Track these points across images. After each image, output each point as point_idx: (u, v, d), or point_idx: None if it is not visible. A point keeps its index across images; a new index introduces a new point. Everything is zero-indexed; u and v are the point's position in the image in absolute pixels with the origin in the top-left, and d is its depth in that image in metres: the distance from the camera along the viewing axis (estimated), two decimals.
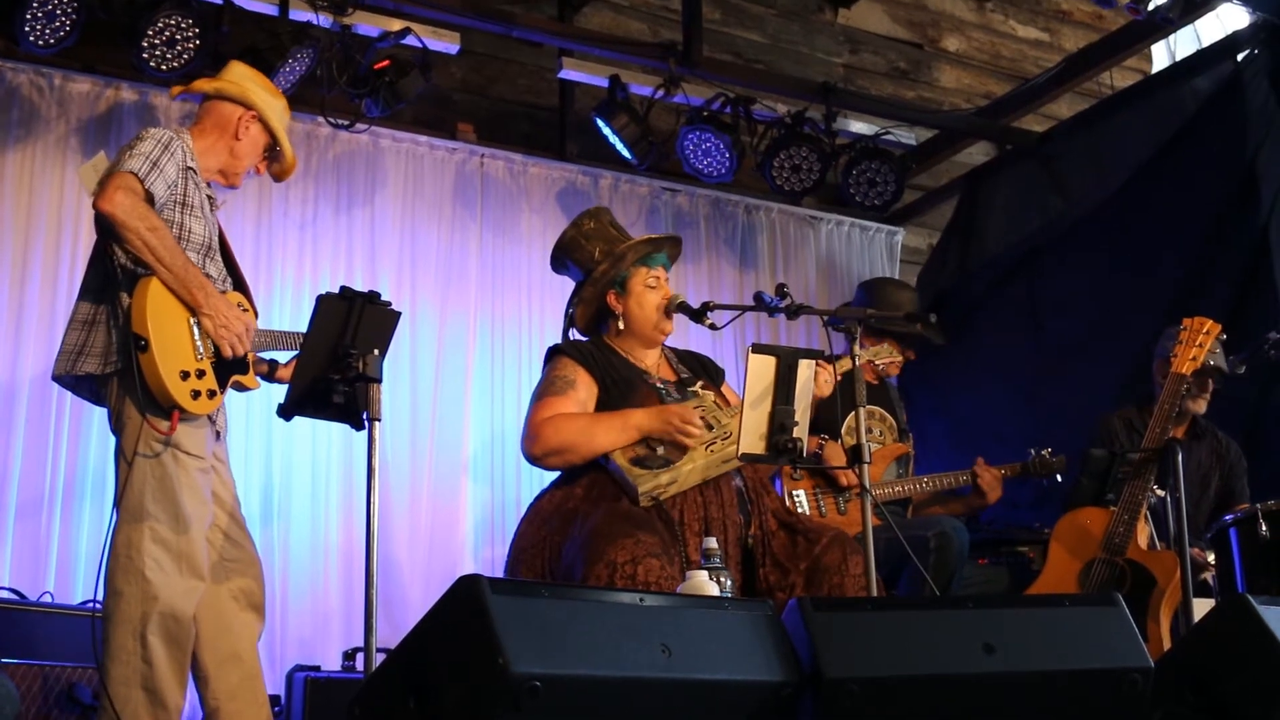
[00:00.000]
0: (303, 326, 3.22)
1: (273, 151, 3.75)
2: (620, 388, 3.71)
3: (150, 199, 3.30)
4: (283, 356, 3.74)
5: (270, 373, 3.71)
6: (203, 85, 3.71)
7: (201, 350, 3.33)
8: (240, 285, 3.62)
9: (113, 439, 3.35)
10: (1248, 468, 4.86)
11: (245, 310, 3.51)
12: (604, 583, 3.11)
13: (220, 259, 3.57)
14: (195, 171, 3.50)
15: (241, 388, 3.55)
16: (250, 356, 3.45)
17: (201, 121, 3.66)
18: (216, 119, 3.65)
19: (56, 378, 3.38)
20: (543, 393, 3.71)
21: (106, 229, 3.28)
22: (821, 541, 3.47)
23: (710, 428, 3.58)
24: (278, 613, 4.81)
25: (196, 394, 3.28)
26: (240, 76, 3.73)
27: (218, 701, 3.41)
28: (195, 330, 3.32)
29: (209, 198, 3.59)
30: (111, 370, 3.28)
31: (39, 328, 4.75)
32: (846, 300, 6.00)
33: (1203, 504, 4.76)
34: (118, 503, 3.26)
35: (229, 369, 3.40)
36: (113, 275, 3.33)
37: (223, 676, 3.42)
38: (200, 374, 3.30)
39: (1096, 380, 5.54)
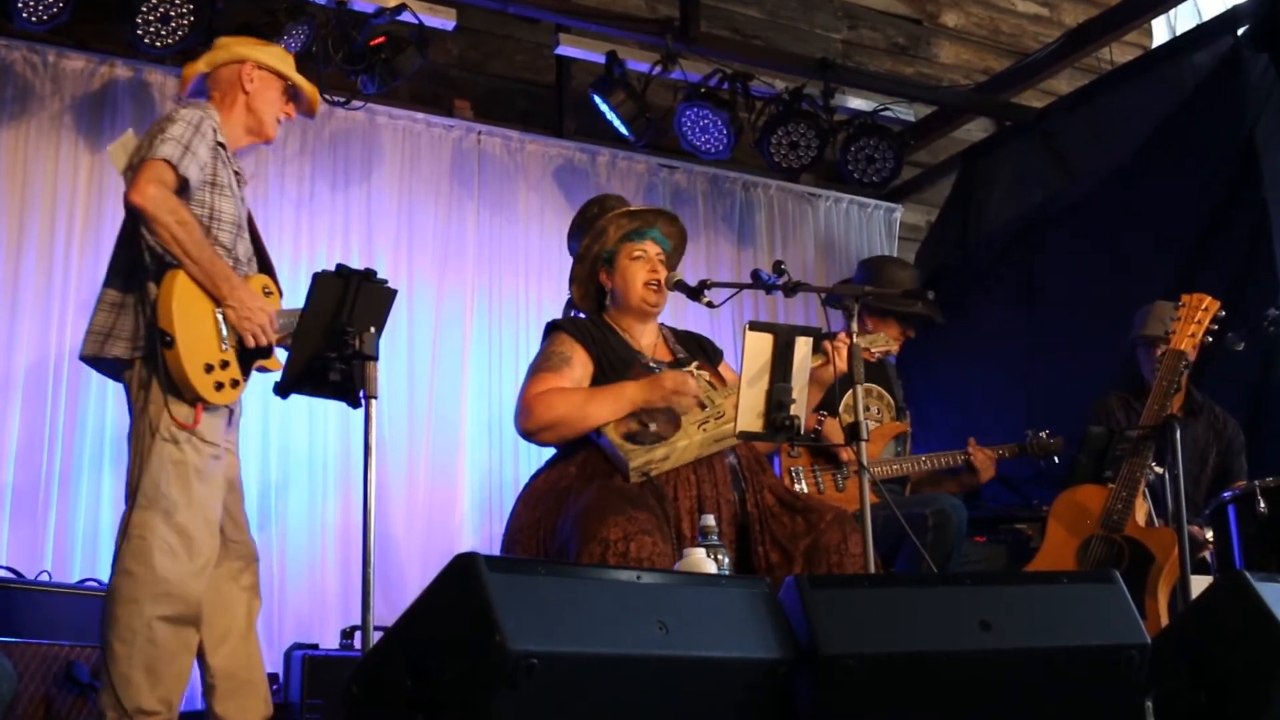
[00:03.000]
0: (300, 305, 3.23)
1: (290, 91, 3.77)
2: (616, 368, 3.71)
3: (185, 184, 3.36)
4: None
5: None
6: (195, 67, 3.72)
7: (226, 341, 3.38)
8: (266, 265, 3.67)
9: (128, 421, 3.40)
10: (1247, 444, 4.85)
11: (270, 293, 3.57)
12: (597, 560, 3.11)
13: (249, 238, 3.61)
14: (224, 148, 3.54)
15: (265, 370, 3.59)
16: (275, 339, 3.47)
17: (211, 96, 3.68)
18: (221, 86, 3.68)
19: (84, 358, 3.44)
20: (537, 368, 3.72)
21: (137, 220, 3.33)
22: (823, 521, 3.47)
23: (703, 406, 3.57)
24: (276, 592, 4.81)
25: (220, 385, 3.35)
26: (226, 43, 3.77)
27: (215, 679, 3.46)
28: (220, 320, 3.37)
29: (236, 173, 3.61)
30: (138, 355, 3.34)
31: (34, 306, 4.73)
32: (845, 277, 5.99)
33: (1201, 481, 4.75)
34: (134, 485, 3.29)
35: (252, 355, 3.45)
36: (140, 260, 3.37)
37: (220, 654, 3.46)
38: (224, 364, 3.36)
39: (1093, 358, 5.52)
